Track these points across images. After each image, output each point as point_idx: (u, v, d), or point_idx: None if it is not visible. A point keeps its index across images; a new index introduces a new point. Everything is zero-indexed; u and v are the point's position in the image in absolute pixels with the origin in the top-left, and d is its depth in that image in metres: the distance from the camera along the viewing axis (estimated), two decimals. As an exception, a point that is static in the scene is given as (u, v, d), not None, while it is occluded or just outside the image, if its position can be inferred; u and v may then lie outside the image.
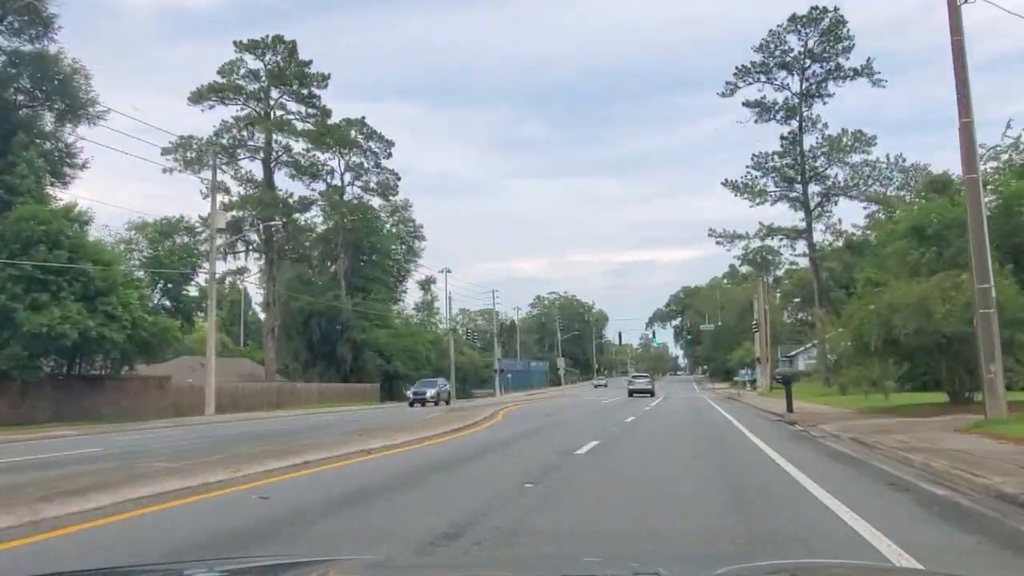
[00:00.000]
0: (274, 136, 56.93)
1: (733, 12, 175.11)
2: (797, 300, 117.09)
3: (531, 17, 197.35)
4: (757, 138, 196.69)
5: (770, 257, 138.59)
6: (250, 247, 56.90)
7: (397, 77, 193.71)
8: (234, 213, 56.16)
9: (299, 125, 57.69)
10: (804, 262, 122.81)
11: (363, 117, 67.01)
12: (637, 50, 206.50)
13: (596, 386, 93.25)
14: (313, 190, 58.83)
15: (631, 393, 58.51)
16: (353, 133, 67.00)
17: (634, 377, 69.17)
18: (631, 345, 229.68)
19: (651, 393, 58.35)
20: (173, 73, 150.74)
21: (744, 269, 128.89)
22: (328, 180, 68.12)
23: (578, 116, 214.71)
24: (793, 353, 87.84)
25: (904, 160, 51.57)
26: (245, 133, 56.50)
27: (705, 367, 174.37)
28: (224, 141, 55.63)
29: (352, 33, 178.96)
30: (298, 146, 58.49)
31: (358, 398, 60.99)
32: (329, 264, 70.35)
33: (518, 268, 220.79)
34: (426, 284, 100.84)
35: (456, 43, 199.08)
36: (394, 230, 77.90)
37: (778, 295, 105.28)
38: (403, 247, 78.03)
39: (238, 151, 56.35)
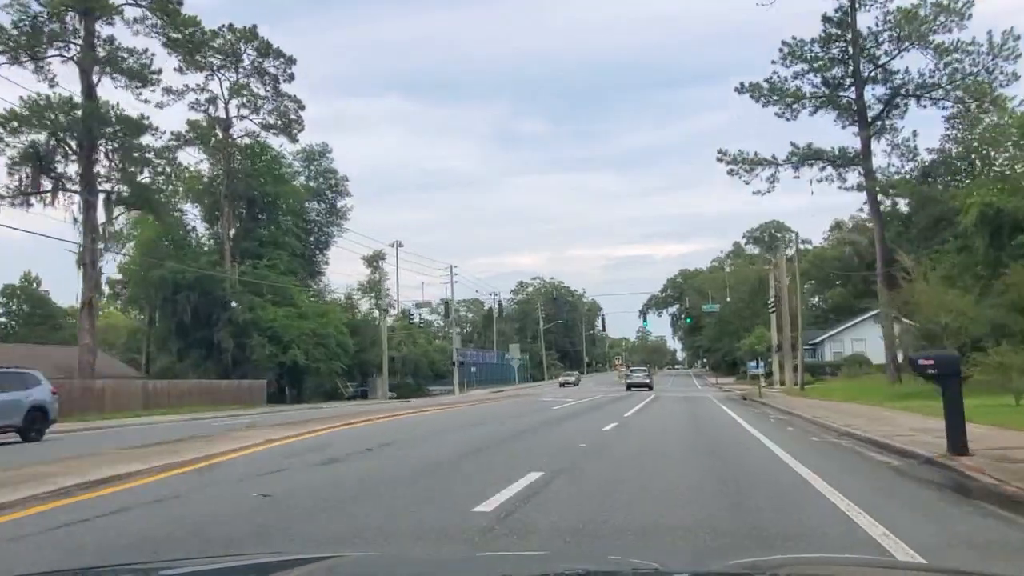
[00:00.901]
0: (98, 28, 38.93)
1: (734, 7, 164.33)
2: (812, 282, 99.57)
3: (530, 12, 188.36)
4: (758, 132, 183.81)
5: (779, 235, 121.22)
6: (61, 183, 38.86)
7: (396, 72, 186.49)
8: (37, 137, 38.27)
9: (132, 14, 39.65)
10: (818, 240, 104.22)
11: (254, 26, 49.12)
12: (637, 44, 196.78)
13: (563, 384, 73.17)
14: (146, 101, 40.57)
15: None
16: (242, 47, 49.14)
17: (632, 371, 68.89)
18: (627, 339, 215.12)
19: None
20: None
21: (751, 249, 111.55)
22: (210, 111, 50.35)
23: (577, 111, 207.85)
24: (819, 339, 69.76)
25: (1019, 37, 33.38)
26: (56, 26, 38.54)
27: (705, 360, 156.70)
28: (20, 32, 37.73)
29: (350, 28, 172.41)
30: (126, 36, 40.40)
31: (230, 400, 43.11)
32: (217, 222, 52.41)
33: (517, 263, 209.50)
34: (374, 260, 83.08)
35: (455, 38, 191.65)
36: (312, 184, 59.93)
37: (787, 280, 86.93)
38: (323, 205, 60.03)
39: (42, 48, 38.39)
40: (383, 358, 57.87)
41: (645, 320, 77.21)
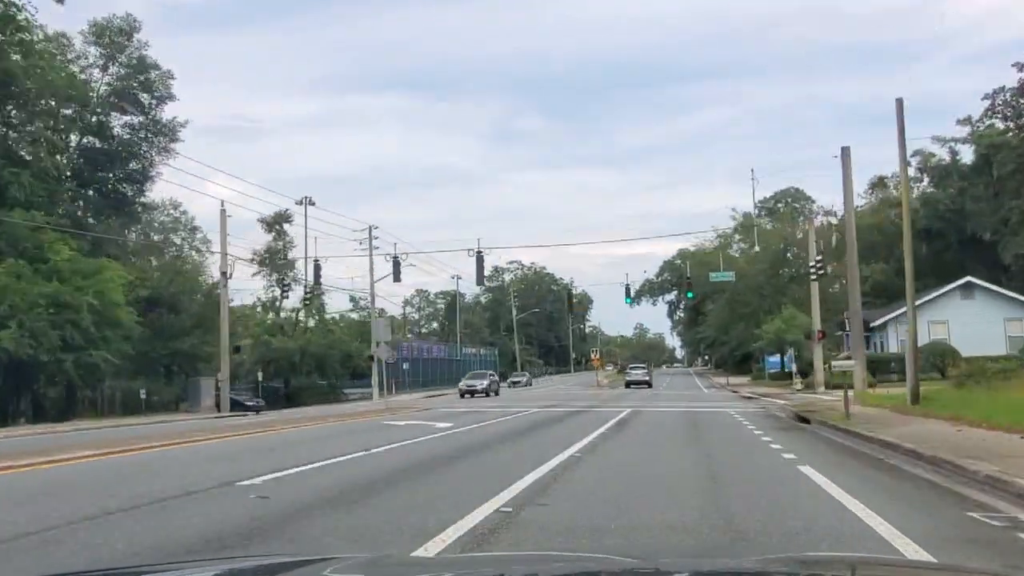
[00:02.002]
0: None
1: (734, 5, 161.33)
2: (834, 264, 77.63)
3: (529, 11, 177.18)
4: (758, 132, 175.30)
5: (797, 205, 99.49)
6: None
7: (396, 70, 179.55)
8: None
9: None
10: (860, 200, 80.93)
11: None
12: (637, 44, 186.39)
13: (466, 392, 43.57)
14: None
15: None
16: None
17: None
18: (624, 335, 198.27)
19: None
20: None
21: (761, 224, 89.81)
22: None
23: (577, 108, 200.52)
24: (877, 321, 48.10)
25: None
26: None
27: (707, 356, 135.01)
28: None
29: (350, 25, 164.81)
30: None
31: None
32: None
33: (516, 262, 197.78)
34: (277, 223, 61.97)
35: (455, 36, 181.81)
36: (117, 83, 38.43)
37: (798, 266, 64.93)
38: (136, 118, 38.51)
39: None
40: (222, 347, 36.49)
41: (629, 297, 53.96)
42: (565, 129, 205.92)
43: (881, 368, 41.85)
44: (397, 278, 36.20)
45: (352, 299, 54.20)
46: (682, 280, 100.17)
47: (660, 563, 2.33)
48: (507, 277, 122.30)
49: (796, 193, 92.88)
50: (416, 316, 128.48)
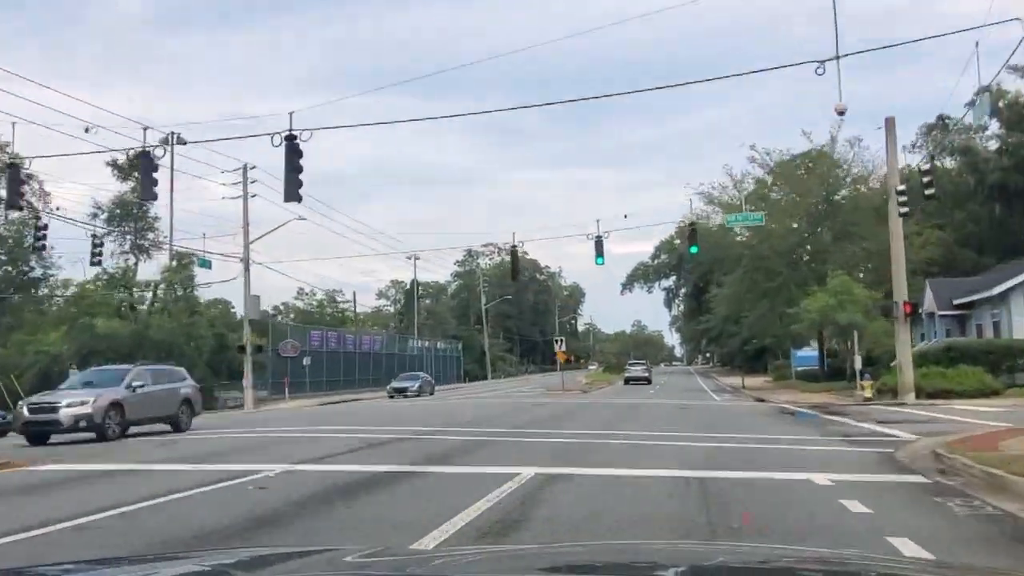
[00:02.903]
0: None
1: (734, 5, 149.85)
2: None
3: (529, 9, 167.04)
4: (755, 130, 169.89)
5: (834, 169, 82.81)
6: None
7: (396, 68, 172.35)
8: None
9: None
10: (910, 158, 62.12)
11: None
12: (637, 42, 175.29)
13: (34, 422, 17.31)
14: None
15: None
16: None
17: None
18: (624, 331, 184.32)
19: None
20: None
21: (774, 195, 72.55)
22: None
23: (577, 108, 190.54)
24: (985, 294, 30.49)
25: None
26: None
27: (709, 353, 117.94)
28: None
29: (349, 23, 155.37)
30: None
31: None
32: None
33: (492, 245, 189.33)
34: (134, 169, 45.09)
35: (454, 36, 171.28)
36: None
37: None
38: None
39: None
40: None
41: (600, 257, 36.10)
42: (564, 127, 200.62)
43: (1007, 362, 25.03)
44: (148, 195, 19.54)
45: (202, 263, 37.03)
46: (682, 262, 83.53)
47: (657, 560, 2.29)
48: (482, 263, 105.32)
49: (818, 158, 75.74)
50: (391, 309, 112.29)
